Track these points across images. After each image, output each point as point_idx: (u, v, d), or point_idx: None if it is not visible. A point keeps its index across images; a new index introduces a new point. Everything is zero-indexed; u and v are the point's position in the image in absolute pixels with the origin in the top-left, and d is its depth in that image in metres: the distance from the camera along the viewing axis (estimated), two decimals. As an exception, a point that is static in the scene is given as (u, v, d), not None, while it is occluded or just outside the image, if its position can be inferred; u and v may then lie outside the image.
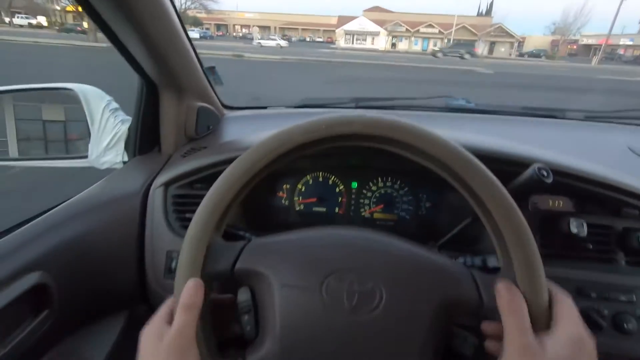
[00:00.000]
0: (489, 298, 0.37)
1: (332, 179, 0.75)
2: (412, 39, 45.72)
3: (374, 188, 0.74)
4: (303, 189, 0.75)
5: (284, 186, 0.75)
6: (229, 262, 0.41)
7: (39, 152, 0.77)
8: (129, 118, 0.76)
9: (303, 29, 57.46)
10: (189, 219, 0.63)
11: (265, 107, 1.07)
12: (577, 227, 0.54)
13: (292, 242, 0.43)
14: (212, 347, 0.39)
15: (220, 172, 0.63)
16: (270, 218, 0.75)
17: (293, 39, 50.23)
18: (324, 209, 0.75)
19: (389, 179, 0.73)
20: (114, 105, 0.76)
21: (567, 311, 0.35)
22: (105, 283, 0.57)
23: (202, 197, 0.65)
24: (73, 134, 0.76)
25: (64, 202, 0.60)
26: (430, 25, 45.06)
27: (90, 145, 0.74)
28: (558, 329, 0.34)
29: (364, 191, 0.74)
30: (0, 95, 0.76)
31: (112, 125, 0.73)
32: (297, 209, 0.75)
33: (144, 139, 0.75)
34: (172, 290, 0.60)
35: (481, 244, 0.63)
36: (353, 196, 0.74)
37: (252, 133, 0.80)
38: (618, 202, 0.56)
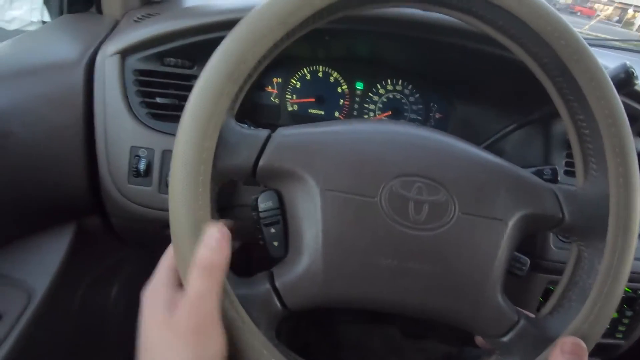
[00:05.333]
0: (570, 215, 0.32)
1: (334, 75, 0.61)
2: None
3: (382, 91, 0.63)
4: (298, 85, 0.61)
5: (274, 79, 0.61)
6: (251, 155, 0.29)
7: None
8: (47, -47, 0.51)
9: None
10: (161, 106, 0.48)
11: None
12: None
13: (338, 135, 0.31)
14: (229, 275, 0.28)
15: (204, 44, 0.46)
16: (254, 119, 0.61)
17: None
18: (321, 112, 0.62)
19: (400, 81, 0.63)
20: None
21: None
22: (40, 185, 0.41)
23: (178, 77, 0.48)
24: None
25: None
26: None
27: (-16, -12, 0.49)
28: None
29: (370, 94, 0.63)
30: None
31: (19, -42, 0.48)
32: (290, 109, 0.62)
33: (75, -9, 0.52)
34: (138, 199, 0.47)
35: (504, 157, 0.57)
36: (357, 99, 0.62)
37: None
38: None
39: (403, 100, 0.63)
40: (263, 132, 0.31)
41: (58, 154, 0.41)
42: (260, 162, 0.29)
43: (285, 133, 0.31)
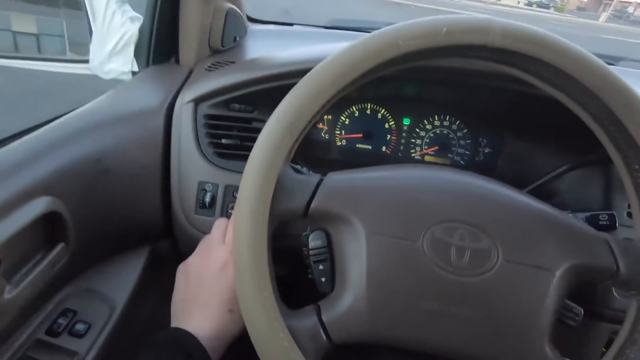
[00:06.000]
0: (626, 267, 0.31)
1: (382, 112, 0.64)
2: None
3: (428, 127, 0.64)
4: (347, 122, 0.65)
5: (325, 117, 0.65)
6: (303, 199, 0.33)
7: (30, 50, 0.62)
8: (139, 16, 0.61)
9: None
10: (226, 146, 0.54)
11: (291, 24, 0.92)
12: None
13: (384, 180, 0.34)
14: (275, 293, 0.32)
15: (264, 92, 0.52)
16: (306, 153, 0.66)
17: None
18: (369, 147, 0.65)
19: (447, 117, 0.64)
20: (120, -3, 0.61)
21: None
22: (126, 214, 0.49)
23: (241, 120, 0.55)
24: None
25: (66, 114, 0.48)
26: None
27: (92, 47, 0.60)
28: None
29: (417, 130, 0.64)
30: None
31: (119, 22, 0.58)
32: (339, 144, 0.65)
33: (159, 46, 0.61)
34: (203, 228, 0.53)
35: (556, 199, 0.56)
36: (404, 134, 0.65)
37: (284, 50, 0.66)
38: None
39: (450, 136, 0.64)
40: (315, 178, 0.34)
41: (141, 188, 0.49)
42: (312, 205, 0.33)
43: (335, 178, 0.34)
